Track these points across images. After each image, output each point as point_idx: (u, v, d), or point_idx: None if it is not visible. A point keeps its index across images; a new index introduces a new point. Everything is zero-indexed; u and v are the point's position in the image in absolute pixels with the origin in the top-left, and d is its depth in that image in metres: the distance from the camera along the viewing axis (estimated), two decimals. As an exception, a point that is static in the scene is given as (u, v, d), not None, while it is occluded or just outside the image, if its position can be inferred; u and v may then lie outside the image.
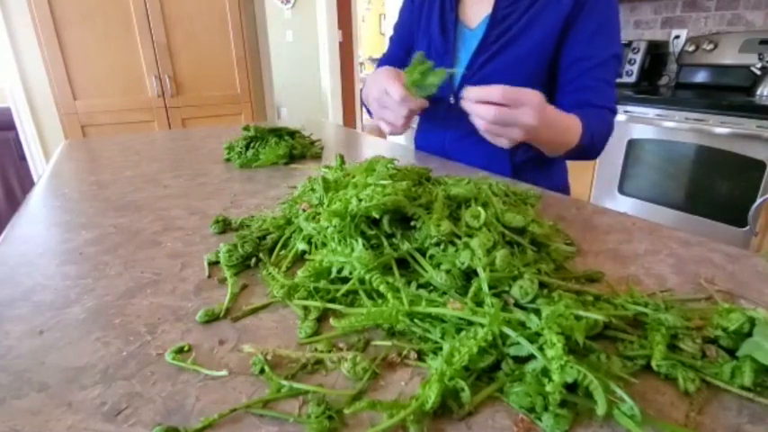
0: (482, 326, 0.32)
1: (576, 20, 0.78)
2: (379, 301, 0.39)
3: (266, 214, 0.60)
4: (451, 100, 0.91)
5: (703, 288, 0.42)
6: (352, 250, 0.41)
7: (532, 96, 0.60)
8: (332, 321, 0.37)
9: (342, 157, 0.71)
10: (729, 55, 2.18)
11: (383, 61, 1.06)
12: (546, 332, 0.30)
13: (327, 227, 0.44)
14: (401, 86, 0.66)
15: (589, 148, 0.79)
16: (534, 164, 0.89)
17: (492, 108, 0.59)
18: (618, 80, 2.49)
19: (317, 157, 0.99)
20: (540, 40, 0.80)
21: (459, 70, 0.89)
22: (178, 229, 0.59)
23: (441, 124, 0.96)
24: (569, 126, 0.73)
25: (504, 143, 0.65)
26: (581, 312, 0.32)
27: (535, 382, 0.29)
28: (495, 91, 0.59)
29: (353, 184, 0.47)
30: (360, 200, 0.42)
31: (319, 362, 0.33)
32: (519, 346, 0.31)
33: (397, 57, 1.03)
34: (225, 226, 0.58)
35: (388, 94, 0.69)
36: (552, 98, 0.85)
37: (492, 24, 0.83)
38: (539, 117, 0.60)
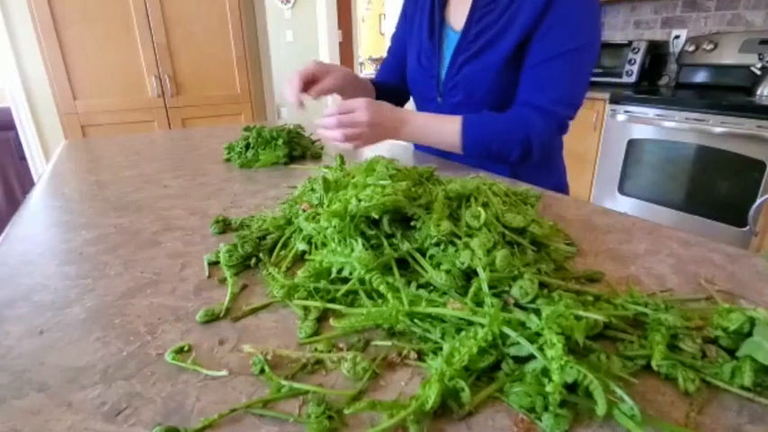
0: (482, 326, 0.32)
1: (544, 15, 0.76)
2: (379, 301, 0.39)
3: (266, 214, 0.60)
4: (439, 100, 0.92)
5: (703, 288, 0.42)
6: (352, 250, 0.41)
7: (360, 101, 0.77)
8: (332, 321, 0.37)
9: (342, 157, 0.71)
10: (729, 55, 2.18)
11: (382, 68, 1.12)
12: (546, 332, 0.30)
13: (327, 227, 0.44)
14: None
15: (484, 150, 0.81)
16: (532, 164, 0.89)
17: (332, 118, 0.76)
18: (618, 80, 2.49)
19: (317, 157, 1.00)
20: (518, 38, 0.79)
21: (443, 70, 0.90)
22: (178, 229, 0.59)
23: None
24: (440, 126, 0.83)
25: (361, 144, 0.80)
26: (581, 312, 0.32)
27: (535, 382, 0.29)
28: (330, 111, 0.78)
29: (353, 184, 0.47)
30: (359, 200, 0.42)
31: (319, 362, 0.33)
32: (519, 346, 0.31)
33: (391, 68, 1.09)
34: (225, 226, 0.58)
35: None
36: None
37: (469, 24, 0.83)
38: (371, 113, 0.76)
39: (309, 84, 0.85)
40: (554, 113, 0.79)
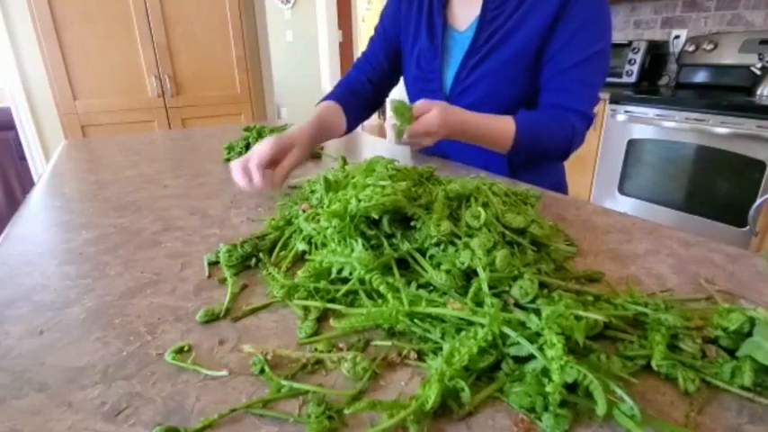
0: (482, 326, 0.32)
1: (562, 18, 0.77)
2: (379, 301, 0.39)
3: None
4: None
5: (703, 288, 0.42)
6: (352, 251, 0.41)
7: (435, 118, 0.70)
8: (332, 321, 0.37)
9: (344, 158, 0.71)
10: (729, 55, 2.18)
11: (362, 61, 1.03)
12: (546, 332, 0.30)
13: (327, 227, 0.44)
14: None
15: (532, 150, 0.79)
16: (532, 163, 0.89)
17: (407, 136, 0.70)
18: (618, 80, 2.49)
19: (317, 157, 0.99)
20: (529, 40, 0.79)
21: (450, 73, 0.88)
22: (178, 229, 0.59)
23: None
24: (494, 128, 0.78)
25: (418, 147, 0.76)
26: (581, 312, 0.32)
27: (535, 382, 0.29)
28: (410, 130, 0.70)
29: (353, 184, 0.47)
30: (359, 200, 0.42)
31: (319, 362, 0.33)
32: (519, 346, 0.31)
33: (376, 61, 1.01)
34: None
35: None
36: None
37: (481, 26, 0.82)
38: (443, 128, 0.71)
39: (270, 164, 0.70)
40: (589, 117, 0.81)
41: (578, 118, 0.79)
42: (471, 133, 0.77)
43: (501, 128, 0.78)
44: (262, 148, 0.66)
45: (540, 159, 0.84)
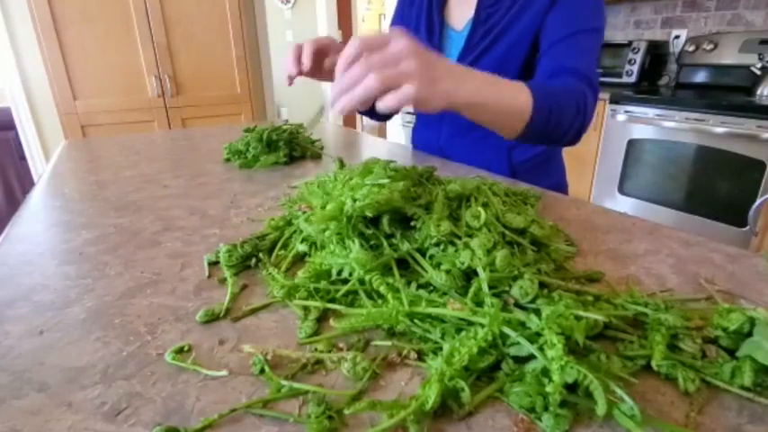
0: (482, 326, 0.32)
1: (554, 6, 0.77)
2: (379, 301, 0.39)
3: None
4: None
5: (703, 288, 0.42)
6: (351, 251, 0.41)
7: (392, 31, 0.46)
8: (332, 322, 0.37)
9: (341, 160, 0.71)
10: (729, 55, 2.18)
11: None
12: (546, 332, 0.30)
13: (324, 229, 0.43)
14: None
15: (548, 122, 0.64)
16: (532, 163, 0.89)
17: (357, 61, 0.45)
18: (618, 80, 2.49)
19: (317, 157, 0.99)
20: (524, 35, 0.79)
21: None
22: (178, 229, 0.59)
23: (435, 121, 0.97)
24: (506, 87, 0.60)
25: (413, 93, 0.45)
26: (581, 312, 0.32)
27: (535, 383, 0.29)
28: (350, 48, 0.46)
29: (349, 185, 0.47)
30: (354, 200, 0.42)
31: (319, 362, 0.33)
32: (519, 346, 0.31)
33: None
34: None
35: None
36: None
37: (476, 24, 0.83)
38: (414, 44, 0.46)
39: (320, 56, 0.76)
40: (595, 85, 0.72)
41: (587, 85, 0.70)
42: (482, 85, 0.55)
43: (516, 92, 0.61)
44: (313, 40, 0.76)
45: (549, 141, 0.70)
